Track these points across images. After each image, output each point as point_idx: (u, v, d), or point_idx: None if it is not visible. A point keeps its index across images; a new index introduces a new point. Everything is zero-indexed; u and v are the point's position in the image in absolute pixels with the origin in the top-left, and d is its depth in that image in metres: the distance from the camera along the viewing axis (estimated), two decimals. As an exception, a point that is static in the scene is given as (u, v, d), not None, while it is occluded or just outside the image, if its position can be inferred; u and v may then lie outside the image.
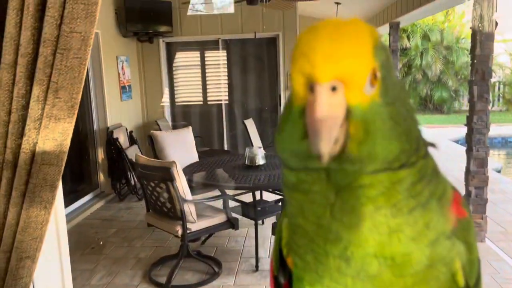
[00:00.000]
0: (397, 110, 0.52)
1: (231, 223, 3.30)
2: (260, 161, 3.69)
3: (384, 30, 7.84)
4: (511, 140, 11.08)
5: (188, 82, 6.75)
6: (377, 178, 0.51)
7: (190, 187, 3.20)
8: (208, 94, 6.73)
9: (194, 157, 4.80)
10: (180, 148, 4.79)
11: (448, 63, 14.72)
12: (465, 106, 11.78)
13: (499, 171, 7.23)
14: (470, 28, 3.69)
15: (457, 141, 9.24)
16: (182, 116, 6.79)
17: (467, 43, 12.85)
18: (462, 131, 3.97)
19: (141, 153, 5.13)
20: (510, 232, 4.03)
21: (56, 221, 1.37)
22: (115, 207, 5.05)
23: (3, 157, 0.95)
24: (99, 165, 5.37)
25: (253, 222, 3.49)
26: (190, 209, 3.07)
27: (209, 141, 6.59)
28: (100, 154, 5.36)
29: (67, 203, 4.61)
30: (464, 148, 3.88)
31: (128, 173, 5.13)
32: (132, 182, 5.19)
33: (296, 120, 0.50)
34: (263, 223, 4.15)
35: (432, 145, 0.59)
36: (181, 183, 3.03)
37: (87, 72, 5.11)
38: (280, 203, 3.76)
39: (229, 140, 6.76)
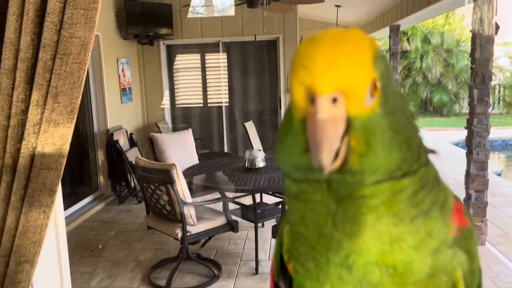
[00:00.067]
0: (397, 119, 0.52)
1: (231, 226, 3.30)
2: (260, 163, 3.70)
3: (384, 33, 7.86)
4: (511, 143, 11.08)
5: (188, 84, 6.76)
6: (379, 188, 0.51)
7: (190, 189, 3.20)
8: (208, 97, 6.74)
9: (194, 159, 4.80)
10: (180, 151, 4.79)
11: (448, 66, 14.74)
12: (465, 109, 11.80)
13: (499, 174, 7.22)
14: (470, 31, 3.70)
15: (457, 144, 9.24)
16: (182, 118, 6.79)
17: (467, 46, 12.86)
18: (462, 134, 3.97)
19: (141, 156, 5.14)
20: (510, 235, 4.03)
21: (55, 225, 1.37)
22: (115, 210, 5.05)
23: (2, 162, 0.95)
24: (99, 167, 5.37)
25: (253, 224, 3.49)
26: (190, 212, 3.07)
27: (209, 144, 6.59)
28: (100, 156, 5.36)
29: (67, 205, 4.61)
30: (464, 151, 3.88)
31: (128, 175, 5.13)
32: (132, 185, 5.19)
33: (296, 132, 0.50)
34: (263, 225, 4.15)
35: (433, 151, 0.59)
36: (181, 186, 3.03)
37: (88, 74, 5.13)
38: (280, 206, 3.76)
39: (229, 142, 6.76)
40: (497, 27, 3.61)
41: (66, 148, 0.96)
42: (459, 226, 0.59)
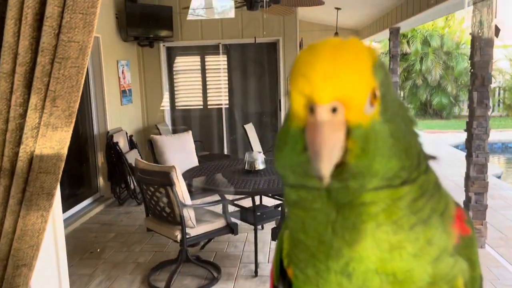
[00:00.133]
0: (396, 127, 0.52)
1: (231, 228, 3.30)
2: (260, 166, 3.70)
3: (384, 36, 7.87)
4: (511, 145, 11.08)
5: (188, 86, 6.77)
6: (378, 196, 0.52)
7: (190, 191, 3.20)
8: (208, 99, 6.74)
9: (194, 161, 4.81)
10: (180, 153, 4.79)
11: (448, 68, 14.75)
12: (465, 112, 11.79)
13: (499, 177, 7.22)
14: (470, 34, 3.70)
15: (457, 147, 9.23)
16: (182, 120, 6.80)
17: (467, 49, 12.86)
18: (462, 136, 3.98)
19: (141, 158, 5.14)
20: (510, 238, 4.03)
21: (54, 228, 1.37)
22: (114, 212, 5.05)
23: (0, 165, 0.95)
24: (99, 169, 5.37)
25: (252, 227, 3.49)
26: (189, 214, 3.07)
27: (209, 146, 6.59)
28: (100, 158, 5.36)
29: (66, 207, 4.61)
30: (464, 154, 3.88)
31: (128, 177, 5.13)
32: (132, 187, 5.19)
33: (296, 140, 0.50)
34: (262, 228, 4.15)
35: (433, 157, 0.59)
36: (181, 188, 3.03)
37: (88, 76, 5.14)
38: (279, 208, 3.76)
39: (229, 144, 6.76)
40: (498, 29, 3.61)
41: (64, 152, 0.96)
42: (460, 234, 0.59)
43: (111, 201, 5.34)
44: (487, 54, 3.58)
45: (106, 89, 5.31)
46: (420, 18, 5.70)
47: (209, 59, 6.64)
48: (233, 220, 3.40)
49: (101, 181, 5.40)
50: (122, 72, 5.80)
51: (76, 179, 5.15)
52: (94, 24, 0.88)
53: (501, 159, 10.52)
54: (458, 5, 4.42)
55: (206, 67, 6.66)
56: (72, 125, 0.95)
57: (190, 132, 5.14)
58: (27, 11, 0.86)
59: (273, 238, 3.45)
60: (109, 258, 3.75)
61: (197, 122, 6.77)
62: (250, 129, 5.50)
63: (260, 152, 4.01)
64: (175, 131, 6.39)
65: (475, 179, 3.71)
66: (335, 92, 0.46)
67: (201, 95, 6.73)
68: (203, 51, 6.61)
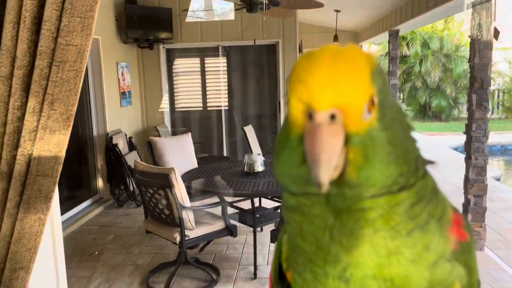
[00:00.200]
0: (394, 133, 0.52)
1: (230, 230, 3.29)
2: (259, 168, 3.69)
3: (383, 38, 7.88)
4: (510, 148, 11.08)
5: (188, 88, 6.77)
6: (376, 202, 0.52)
7: (189, 193, 3.20)
8: (208, 101, 6.75)
9: (193, 163, 4.80)
10: (179, 154, 4.79)
11: (447, 71, 14.76)
12: (465, 114, 11.81)
13: (498, 179, 7.22)
14: (469, 36, 3.71)
15: (456, 149, 9.24)
16: (181, 122, 6.80)
17: (466, 51, 12.88)
18: (462, 138, 3.98)
19: (141, 159, 5.14)
20: (509, 240, 4.02)
21: (52, 231, 1.37)
22: (113, 213, 5.05)
23: (-2, 168, 0.96)
24: (98, 171, 5.37)
25: (251, 229, 3.49)
26: (188, 216, 3.07)
27: (208, 148, 6.59)
28: (99, 160, 5.36)
29: (65, 209, 4.60)
30: (463, 156, 3.88)
31: (127, 179, 5.13)
32: (131, 188, 5.18)
33: (294, 146, 0.51)
34: (262, 230, 4.15)
35: (431, 162, 0.59)
36: (180, 190, 3.03)
37: (87, 78, 5.14)
38: (278, 211, 3.76)
39: (229, 146, 6.77)
40: (497, 32, 3.62)
41: (62, 155, 0.96)
42: (458, 240, 0.59)
43: (110, 203, 5.34)
44: (486, 57, 3.59)
45: (106, 91, 5.31)
46: (419, 21, 5.71)
47: (209, 61, 6.65)
48: (232, 222, 3.40)
49: (100, 182, 5.40)
50: (122, 74, 5.80)
51: (75, 181, 5.15)
52: (92, 28, 0.88)
53: (501, 162, 10.53)
54: (457, 7, 4.42)
55: (206, 69, 6.67)
56: (70, 128, 0.95)
57: (190, 134, 5.14)
58: (25, 15, 0.86)
59: (272, 240, 3.45)
60: (108, 260, 3.74)
61: (196, 124, 6.77)
62: (250, 131, 5.50)
63: (259, 154, 4.01)
64: (174, 133, 6.39)
65: (474, 181, 3.71)
66: (333, 99, 0.47)
67: (200, 97, 6.74)
68: (202, 53, 6.62)
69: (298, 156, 0.50)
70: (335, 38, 8.10)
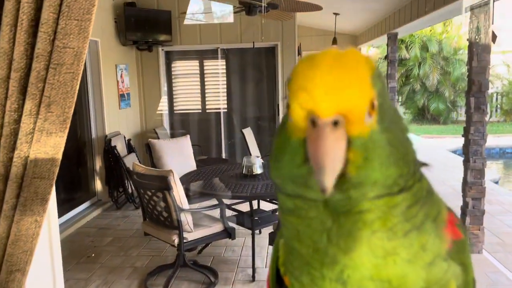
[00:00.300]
0: (393, 135, 0.53)
1: (228, 233, 3.29)
2: (258, 170, 3.70)
3: (382, 41, 7.90)
4: (509, 151, 11.10)
5: (186, 90, 6.78)
6: (375, 204, 0.52)
7: (187, 196, 3.19)
8: (206, 103, 6.75)
9: (192, 165, 4.80)
10: (178, 157, 4.79)
11: (446, 74, 14.79)
12: (463, 117, 11.85)
13: (496, 182, 7.23)
14: (467, 40, 3.72)
15: (455, 152, 9.25)
16: (180, 124, 6.80)
17: (465, 55, 12.91)
18: (460, 141, 3.98)
19: (139, 162, 5.13)
20: (507, 243, 4.03)
21: (49, 233, 1.36)
22: (112, 216, 5.04)
23: (-5, 170, 0.95)
24: (97, 173, 5.36)
25: (250, 231, 3.48)
26: (186, 218, 3.07)
27: (207, 150, 6.59)
28: (98, 162, 5.36)
29: (63, 211, 4.60)
30: (461, 159, 3.88)
31: (126, 181, 5.12)
32: (130, 191, 5.18)
33: (295, 151, 0.50)
34: (260, 232, 4.14)
35: (425, 164, 0.60)
36: (178, 192, 3.03)
37: (86, 80, 5.14)
38: (277, 213, 3.76)
39: (227, 149, 6.76)
40: (494, 36, 3.63)
41: (59, 157, 0.96)
42: (452, 239, 0.59)
43: (109, 205, 5.33)
44: (484, 60, 3.60)
45: (105, 93, 5.32)
46: (418, 24, 5.72)
47: (208, 63, 6.65)
48: (231, 224, 3.40)
49: (98, 185, 5.39)
50: (121, 76, 5.81)
51: (73, 183, 5.14)
52: (89, 31, 0.88)
53: (499, 165, 10.54)
54: (456, 11, 4.44)
55: (205, 72, 6.67)
56: (67, 130, 0.95)
57: (188, 136, 5.14)
58: (22, 17, 0.86)
59: (270, 243, 3.45)
60: (106, 262, 3.74)
61: (195, 126, 6.77)
62: (248, 133, 5.50)
63: (258, 157, 4.01)
64: (173, 135, 6.39)
65: (473, 184, 3.71)
66: (337, 106, 0.47)
67: (199, 99, 6.74)
68: (201, 56, 6.63)
69: (299, 161, 0.50)
70: (334, 41, 8.11)
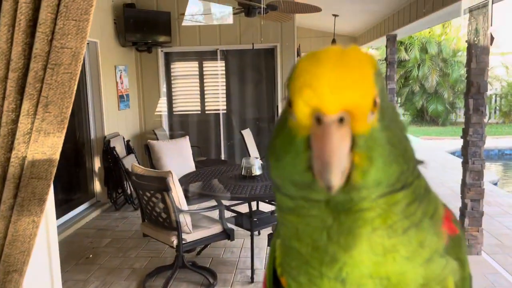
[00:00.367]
0: (393, 133, 0.53)
1: (227, 234, 3.29)
2: (257, 171, 3.70)
3: (381, 43, 7.91)
4: (507, 152, 11.11)
5: (186, 92, 6.78)
6: (376, 202, 0.52)
7: (186, 197, 3.19)
8: (206, 104, 6.75)
9: (191, 166, 4.80)
10: (177, 158, 4.79)
11: (445, 75, 14.82)
12: (462, 118, 11.84)
13: (495, 184, 7.23)
14: (466, 41, 3.72)
15: (453, 153, 9.25)
16: (179, 125, 6.80)
17: (464, 56, 12.93)
18: (459, 143, 3.99)
19: (138, 163, 5.13)
20: (506, 245, 4.03)
21: (47, 234, 1.36)
22: (110, 217, 5.03)
23: (-8, 171, 0.95)
24: (96, 174, 5.36)
25: (249, 233, 3.48)
26: (185, 220, 3.07)
27: (206, 151, 6.59)
28: (97, 163, 5.35)
29: (62, 212, 4.59)
30: (460, 160, 3.89)
31: (125, 182, 5.12)
32: (129, 192, 5.17)
33: (298, 150, 0.50)
34: (259, 234, 4.14)
35: (421, 162, 0.60)
36: (177, 193, 3.02)
37: (85, 81, 5.15)
38: (276, 214, 3.75)
39: (226, 150, 6.76)
40: (492, 38, 3.64)
41: (56, 157, 0.96)
42: (449, 235, 0.59)
43: (108, 206, 5.32)
44: (483, 62, 3.60)
45: (104, 94, 5.31)
46: (417, 26, 5.73)
47: (207, 64, 6.65)
48: (230, 225, 3.39)
49: (97, 186, 5.39)
50: (120, 77, 5.81)
51: (72, 184, 5.14)
52: (87, 31, 0.88)
53: (498, 166, 10.54)
54: (454, 12, 4.45)
55: (204, 73, 6.67)
56: (65, 130, 0.95)
57: (187, 137, 5.14)
58: (20, 18, 0.86)
59: (269, 244, 3.44)
60: (104, 263, 3.73)
61: (194, 127, 6.77)
62: (248, 134, 5.50)
63: (257, 158, 4.01)
64: (172, 136, 6.38)
65: (471, 185, 3.71)
66: (342, 102, 0.46)
67: (198, 100, 6.74)
68: (201, 57, 6.63)
69: (302, 159, 0.50)
70: (333, 43, 8.12)
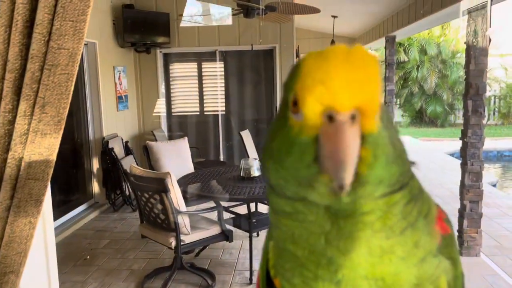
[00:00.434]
0: (391, 132, 0.53)
1: (226, 235, 3.29)
2: (256, 172, 3.69)
3: (380, 44, 7.92)
4: (506, 154, 11.12)
5: (184, 92, 6.78)
6: (377, 203, 0.52)
7: (185, 198, 3.19)
8: (204, 105, 6.75)
9: (189, 167, 4.79)
10: (176, 159, 4.78)
11: (444, 77, 14.84)
12: (461, 120, 11.85)
13: (494, 185, 7.24)
14: (465, 43, 3.73)
15: (452, 155, 9.26)
16: (178, 126, 6.79)
17: (463, 58, 12.94)
18: (458, 144, 3.99)
19: (137, 164, 5.13)
20: (505, 246, 4.02)
21: (44, 235, 1.36)
22: (109, 218, 5.03)
23: (-11, 172, 0.95)
24: (94, 175, 5.35)
25: (247, 234, 3.48)
26: (184, 221, 3.06)
27: (205, 152, 6.59)
28: (95, 164, 5.34)
29: (60, 213, 4.58)
30: (459, 162, 3.89)
31: (123, 183, 5.11)
32: (127, 193, 5.16)
33: (304, 150, 0.49)
34: (258, 235, 4.14)
35: (413, 163, 0.60)
36: (176, 195, 3.02)
37: (84, 81, 5.14)
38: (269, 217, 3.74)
39: (225, 151, 6.76)
40: (489, 40, 3.64)
41: (53, 158, 0.96)
42: (441, 234, 0.60)
43: (106, 207, 5.32)
44: (481, 63, 3.60)
45: (102, 95, 5.31)
46: (416, 27, 5.74)
47: (206, 65, 6.65)
48: (228, 227, 3.39)
49: (96, 187, 5.38)
50: (119, 78, 5.80)
51: (70, 185, 5.13)
52: (84, 32, 0.88)
53: (497, 168, 10.55)
54: (453, 14, 4.45)
55: (203, 74, 6.67)
56: (61, 131, 0.95)
57: (186, 138, 5.13)
58: (17, 18, 0.86)
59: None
60: (103, 265, 3.72)
61: (193, 128, 6.77)
62: (246, 135, 5.50)
63: (256, 159, 4.00)
64: (171, 137, 6.38)
65: (470, 187, 3.71)
66: (354, 100, 0.46)
67: (197, 101, 6.74)
68: (200, 58, 6.63)
69: (309, 160, 0.49)
70: (332, 44, 8.13)
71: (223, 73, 6.60)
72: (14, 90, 0.89)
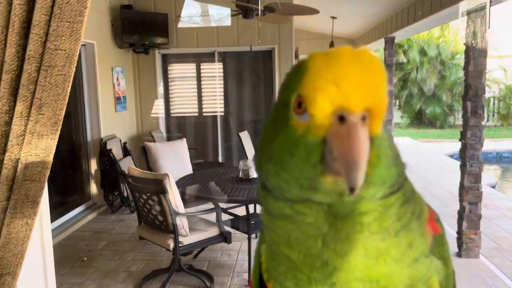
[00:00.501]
0: (387, 134, 0.53)
1: (224, 237, 3.28)
2: (254, 174, 3.68)
3: (379, 45, 7.93)
4: (505, 155, 11.13)
5: (183, 93, 6.77)
6: (374, 205, 0.52)
7: (183, 199, 3.18)
8: (203, 106, 6.74)
9: (188, 169, 4.79)
10: (174, 160, 4.77)
11: (443, 78, 14.87)
12: (460, 121, 11.86)
13: (493, 187, 7.24)
14: (464, 44, 3.73)
15: (451, 156, 9.27)
16: (177, 127, 6.79)
17: (462, 59, 12.97)
18: (457, 145, 3.99)
19: (135, 165, 5.11)
20: (504, 248, 4.03)
21: (41, 236, 1.35)
22: (107, 219, 5.01)
23: (-15, 173, 0.94)
24: (92, 177, 5.34)
25: (246, 235, 3.47)
26: (182, 222, 3.05)
27: (203, 153, 6.58)
28: (93, 165, 5.33)
29: (58, 215, 4.57)
30: (458, 163, 3.89)
31: (121, 184, 5.10)
32: (125, 194, 5.15)
33: (310, 151, 0.49)
34: (256, 236, 4.12)
35: (406, 165, 0.60)
36: (174, 196, 3.01)
37: (82, 82, 5.13)
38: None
39: (224, 152, 6.75)
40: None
41: (50, 159, 0.95)
42: (432, 234, 0.60)
43: (104, 208, 5.30)
44: (480, 65, 3.61)
45: (100, 96, 5.30)
46: (415, 28, 5.74)
47: (205, 66, 6.65)
48: (227, 228, 3.38)
49: (93, 188, 5.37)
50: (117, 79, 5.79)
51: (68, 186, 5.11)
52: (81, 33, 0.87)
53: (496, 169, 10.56)
54: (453, 15, 4.45)
55: (202, 75, 6.67)
56: (58, 132, 0.94)
57: (185, 139, 5.12)
58: (14, 19, 0.85)
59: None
60: (100, 266, 3.71)
61: (191, 129, 6.76)
62: (245, 137, 5.50)
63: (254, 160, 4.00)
64: (169, 139, 6.37)
65: (469, 188, 3.71)
66: (365, 102, 0.46)
67: (196, 102, 6.74)
68: (198, 59, 6.62)
69: (314, 162, 0.49)
70: (331, 45, 8.13)
71: (221, 74, 6.60)
72: (10, 91, 0.89)
